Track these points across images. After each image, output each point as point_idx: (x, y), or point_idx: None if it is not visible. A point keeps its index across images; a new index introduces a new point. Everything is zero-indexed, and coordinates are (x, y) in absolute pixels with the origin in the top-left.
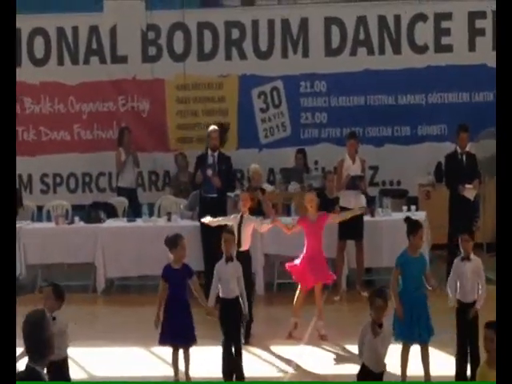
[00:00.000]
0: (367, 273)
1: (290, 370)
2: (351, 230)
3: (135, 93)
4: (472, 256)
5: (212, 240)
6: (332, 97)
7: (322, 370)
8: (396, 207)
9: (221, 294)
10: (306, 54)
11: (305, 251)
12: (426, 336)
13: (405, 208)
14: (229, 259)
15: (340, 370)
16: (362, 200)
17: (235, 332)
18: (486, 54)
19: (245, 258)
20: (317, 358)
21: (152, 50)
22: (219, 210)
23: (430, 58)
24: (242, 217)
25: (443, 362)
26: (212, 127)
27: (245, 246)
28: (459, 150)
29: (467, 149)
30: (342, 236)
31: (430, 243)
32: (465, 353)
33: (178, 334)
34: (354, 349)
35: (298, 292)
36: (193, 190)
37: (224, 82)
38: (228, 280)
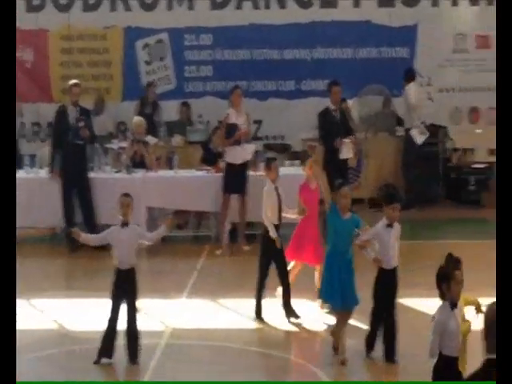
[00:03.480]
0: (249, 227)
1: (171, 324)
2: (235, 184)
3: (19, 43)
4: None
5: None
6: (217, 50)
7: (202, 323)
8: (279, 162)
9: (115, 263)
10: (191, 7)
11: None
12: (351, 303)
13: (287, 163)
14: (124, 224)
15: (219, 323)
16: (247, 155)
17: (131, 310)
18: (370, 11)
19: None
20: (198, 311)
21: (36, 0)
22: (82, 156)
23: (315, 13)
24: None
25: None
26: (73, 81)
27: None
28: (332, 107)
29: (350, 105)
30: (227, 190)
31: None
32: (379, 321)
33: None
34: (233, 302)
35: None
36: (55, 142)
37: (108, 34)
38: (123, 247)
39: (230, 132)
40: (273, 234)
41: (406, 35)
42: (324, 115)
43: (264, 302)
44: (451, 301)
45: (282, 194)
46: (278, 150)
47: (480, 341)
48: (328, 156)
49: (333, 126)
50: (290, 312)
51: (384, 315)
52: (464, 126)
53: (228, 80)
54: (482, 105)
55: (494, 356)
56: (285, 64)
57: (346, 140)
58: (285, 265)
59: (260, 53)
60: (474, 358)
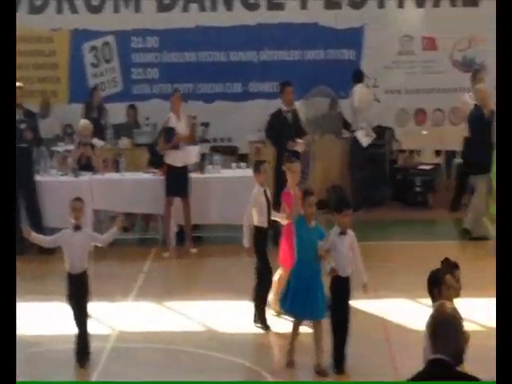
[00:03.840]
0: (196, 229)
1: (118, 327)
2: (176, 186)
3: None
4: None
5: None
6: (164, 53)
7: (149, 326)
8: (227, 164)
9: (66, 268)
10: (137, 9)
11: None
12: (319, 312)
13: (234, 165)
14: (77, 228)
15: (166, 326)
16: (192, 158)
17: (82, 313)
18: (317, 13)
19: None
20: (145, 314)
21: None
22: (28, 159)
23: (262, 15)
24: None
25: None
26: (17, 84)
27: None
28: (284, 108)
29: (297, 107)
30: (168, 192)
31: None
32: (344, 330)
33: None
34: (180, 304)
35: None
36: None
37: (55, 36)
38: (75, 251)
39: (169, 136)
40: (246, 241)
41: (353, 37)
42: (276, 116)
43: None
44: None
45: (271, 198)
46: (226, 153)
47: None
48: (280, 158)
49: (284, 128)
50: (260, 319)
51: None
52: (410, 128)
53: (175, 82)
54: (428, 106)
55: (439, 356)
56: (232, 66)
57: (299, 140)
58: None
59: (207, 55)
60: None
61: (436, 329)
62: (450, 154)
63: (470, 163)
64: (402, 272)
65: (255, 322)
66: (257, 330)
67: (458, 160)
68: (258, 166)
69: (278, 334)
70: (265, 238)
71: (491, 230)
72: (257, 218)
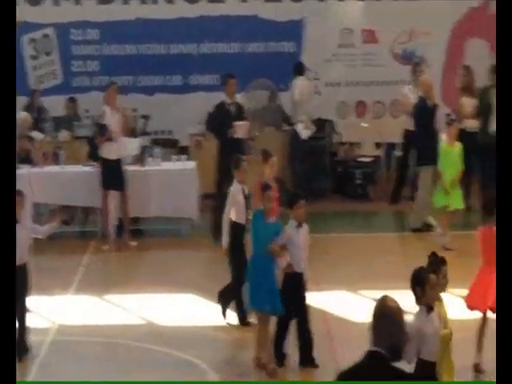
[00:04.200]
0: (136, 222)
1: (58, 321)
2: (112, 179)
3: None
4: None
5: None
6: (104, 45)
7: (89, 319)
8: (167, 157)
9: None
10: (78, 2)
11: None
12: (278, 307)
13: (175, 158)
14: (16, 221)
15: (106, 319)
16: (126, 151)
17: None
18: (257, 6)
19: None
20: (85, 308)
21: None
22: None
23: (203, 8)
24: None
25: None
26: None
27: None
28: (227, 101)
29: (238, 99)
30: (104, 185)
31: (200, 192)
32: (286, 327)
33: None
34: (119, 298)
35: None
36: None
37: None
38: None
39: (103, 130)
40: (225, 240)
41: (293, 30)
42: (219, 108)
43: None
44: (426, 305)
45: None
46: (166, 145)
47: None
48: (223, 149)
49: (227, 120)
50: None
51: (292, 319)
52: (350, 120)
53: (115, 75)
54: (368, 99)
55: (376, 349)
56: (172, 59)
57: (239, 122)
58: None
59: (147, 47)
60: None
61: (375, 322)
62: (390, 147)
63: (416, 155)
64: (343, 264)
65: (225, 317)
66: (195, 323)
67: (398, 152)
68: (237, 163)
69: (217, 327)
70: (242, 234)
71: (432, 221)
72: (234, 215)
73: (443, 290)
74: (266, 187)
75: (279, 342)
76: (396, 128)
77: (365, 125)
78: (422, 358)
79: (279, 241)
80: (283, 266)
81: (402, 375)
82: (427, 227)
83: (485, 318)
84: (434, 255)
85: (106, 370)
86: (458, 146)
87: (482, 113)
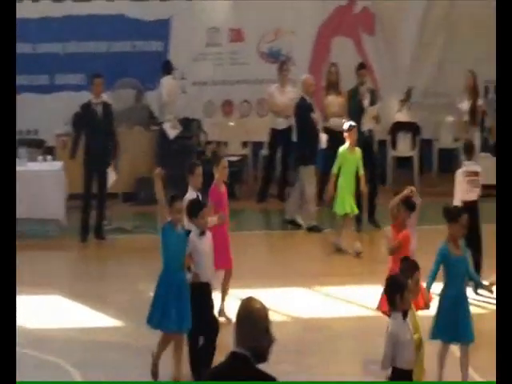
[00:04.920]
0: None
1: None
2: None
3: None
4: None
5: None
6: None
7: None
8: (33, 157)
9: None
10: None
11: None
12: (186, 323)
13: (40, 158)
14: None
15: None
16: None
17: None
18: (123, 5)
19: None
20: None
21: None
22: None
23: (69, 7)
24: None
25: None
26: None
27: None
28: (94, 100)
29: (104, 98)
30: None
31: (67, 193)
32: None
33: None
34: None
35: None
36: None
37: None
38: None
39: None
40: None
41: (160, 29)
42: (85, 108)
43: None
44: (403, 311)
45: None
46: (32, 145)
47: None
48: (89, 150)
49: (94, 120)
50: None
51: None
52: (217, 119)
53: None
54: (235, 98)
55: (240, 350)
56: (38, 58)
57: None
58: None
59: None
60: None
61: (239, 323)
62: (257, 146)
63: (296, 155)
64: None
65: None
66: (61, 324)
67: (265, 151)
68: (192, 168)
69: (83, 329)
70: None
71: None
72: (187, 223)
73: (416, 295)
74: (173, 199)
75: (194, 358)
76: (263, 127)
77: (232, 124)
78: (397, 366)
79: (187, 251)
80: (188, 279)
81: (265, 377)
82: (294, 224)
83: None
84: (406, 260)
85: None
86: (357, 152)
87: (352, 112)
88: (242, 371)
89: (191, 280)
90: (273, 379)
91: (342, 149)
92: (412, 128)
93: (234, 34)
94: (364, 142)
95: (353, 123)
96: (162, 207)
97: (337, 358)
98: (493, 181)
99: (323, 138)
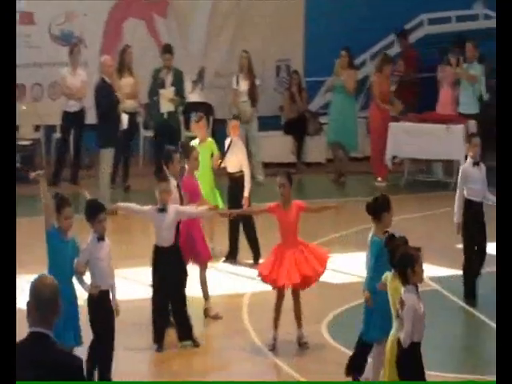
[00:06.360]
0: None
1: None
2: None
3: None
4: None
5: None
6: None
7: None
8: None
9: None
10: None
11: None
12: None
13: None
14: None
15: None
16: None
17: None
18: None
19: None
20: None
21: None
22: None
23: None
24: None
25: None
26: None
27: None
28: None
29: None
30: None
31: None
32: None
33: None
34: None
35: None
36: None
37: None
38: None
39: None
40: None
41: None
42: None
43: None
44: (414, 284)
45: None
46: None
47: None
48: None
49: None
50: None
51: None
52: None
53: None
54: (26, 81)
55: (39, 329)
56: None
57: None
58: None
59: None
60: None
61: (35, 302)
62: (50, 129)
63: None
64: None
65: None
66: None
67: (58, 135)
68: (169, 157)
69: None
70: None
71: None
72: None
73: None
74: (62, 204)
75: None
76: (55, 110)
77: (24, 107)
78: (413, 340)
79: (81, 259)
80: (87, 288)
81: (72, 358)
82: None
83: (281, 294)
84: (392, 236)
85: None
86: (209, 143)
87: (152, 95)
88: (44, 350)
89: (89, 291)
90: (79, 360)
91: (193, 142)
92: (204, 108)
93: (25, 17)
94: (164, 125)
95: (201, 114)
96: (48, 210)
97: None
98: (283, 159)
99: (124, 119)
